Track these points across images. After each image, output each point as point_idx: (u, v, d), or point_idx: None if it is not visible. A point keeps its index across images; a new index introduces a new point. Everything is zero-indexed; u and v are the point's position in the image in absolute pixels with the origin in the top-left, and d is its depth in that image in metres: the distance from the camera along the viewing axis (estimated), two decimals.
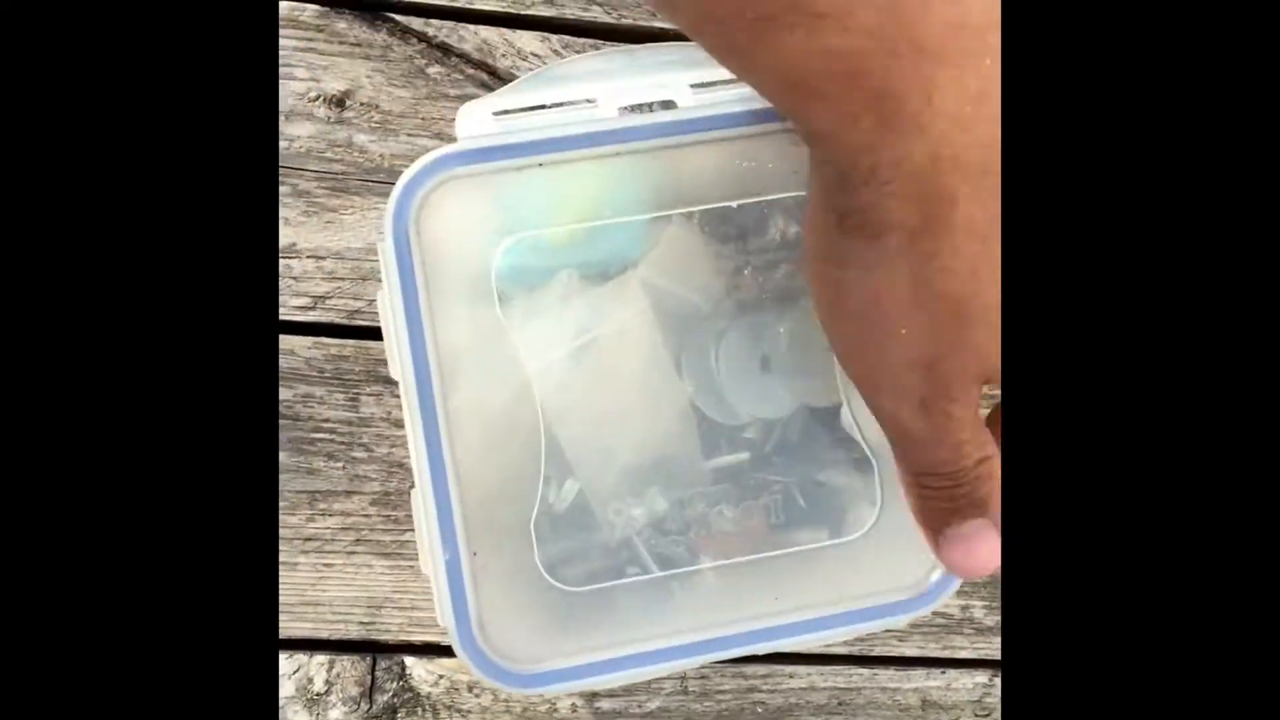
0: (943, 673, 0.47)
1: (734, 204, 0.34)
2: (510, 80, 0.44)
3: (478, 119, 0.34)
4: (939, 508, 0.30)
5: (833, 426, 0.36)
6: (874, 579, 0.36)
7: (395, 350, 0.33)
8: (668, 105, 0.34)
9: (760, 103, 0.33)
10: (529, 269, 0.34)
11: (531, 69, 0.44)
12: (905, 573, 0.36)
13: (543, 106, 0.34)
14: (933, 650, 0.47)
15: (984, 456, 0.29)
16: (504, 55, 0.44)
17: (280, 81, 0.43)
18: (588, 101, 0.34)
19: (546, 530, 0.35)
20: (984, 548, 0.30)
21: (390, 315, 0.33)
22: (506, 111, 0.34)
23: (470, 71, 0.44)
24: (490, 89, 0.44)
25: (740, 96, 0.34)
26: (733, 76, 0.33)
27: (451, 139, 0.40)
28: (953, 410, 0.28)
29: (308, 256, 0.43)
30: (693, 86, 0.34)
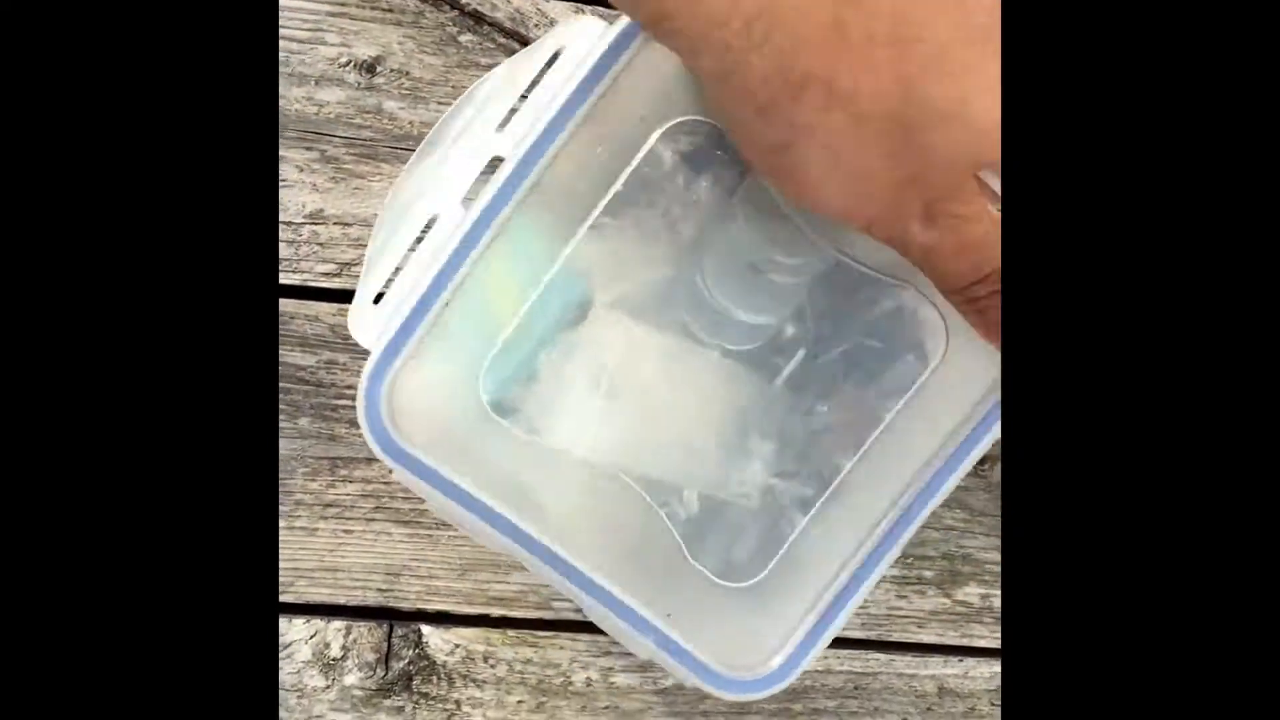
0: (960, 660, 0.47)
1: (619, 187, 0.33)
2: None
3: (364, 321, 0.33)
4: (998, 315, 0.30)
5: (853, 275, 0.35)
6: (979, 386, 0.35)
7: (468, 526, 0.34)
8: (495, 164, 0.33)
9: (567, 91, 0.32)
10: (513, 376, 0.34)
11: None
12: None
13: (399, 270, 0.33)
14: (951, 638, 0.47)
15: None
16: (537, 25, 0.44)
17: (311, 46, 0.43)
18: (428, 225, 0.33)
19: (699, 547, 0.35)
20: None
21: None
22: (380, 295, 0.33)
23: (502, 40, 0.44)
24: None
25: (544, 103, 0.32)
26: (525, 90, 0.33)
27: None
28: (959, 210, 0.28)
29: (334, 223, 0.43)
30: (498, 130, 0.33)
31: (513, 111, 0.33)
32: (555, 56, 0.33)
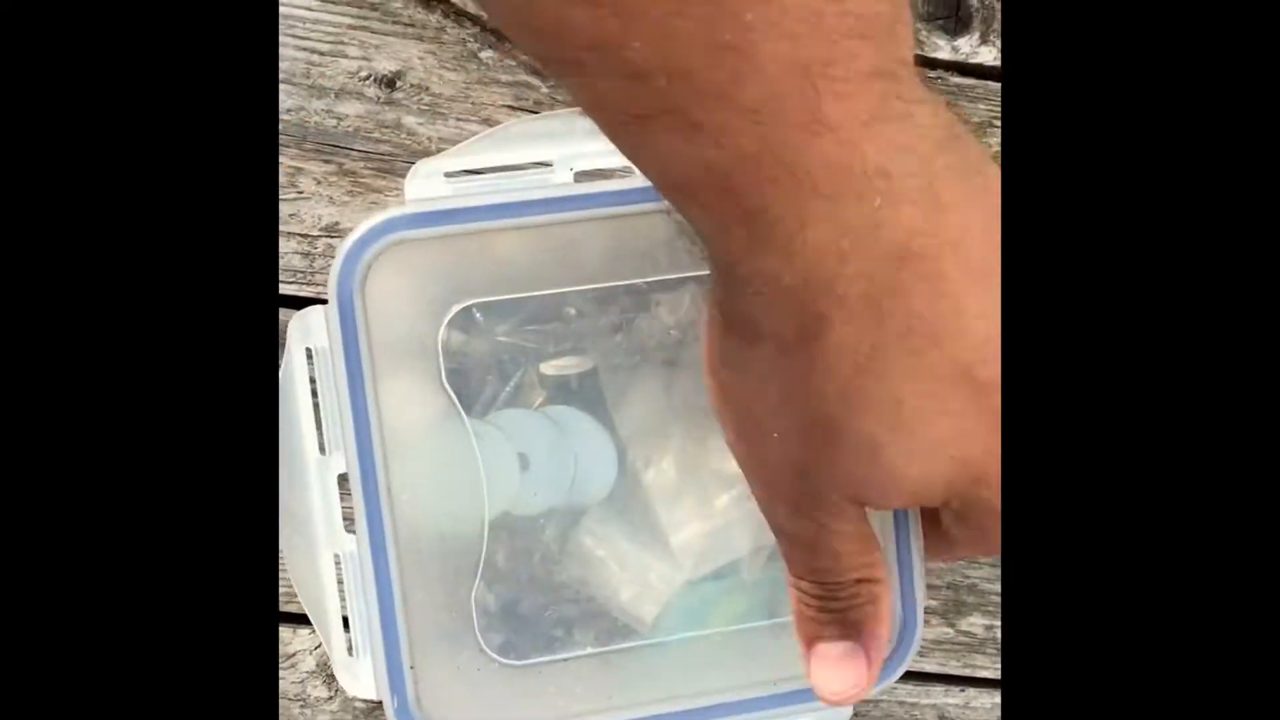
0: (962, 690, 0.47)
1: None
2: None
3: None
4: (810, 619, 0.30)
5: None
6: None
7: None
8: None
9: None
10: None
11: None
12: None
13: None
14: (953, 668, 0.47)
15: (866, 578, 0.29)
16: None
17: (332, 59, 0.43)
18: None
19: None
20: (848, 673, 0.29)
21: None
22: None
23: (523, 58, 0.43)
24: (542, 76, 0.43)
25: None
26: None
27: (496, 124, 0.40)
28: (827, 521, 0.28)
29: None
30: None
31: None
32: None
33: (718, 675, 0.34)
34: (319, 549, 0.33)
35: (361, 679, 0.33)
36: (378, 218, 0.32)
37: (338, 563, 0.33)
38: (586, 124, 0.34)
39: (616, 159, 0.33)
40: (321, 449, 0.33)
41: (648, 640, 0.34)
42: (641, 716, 0.34)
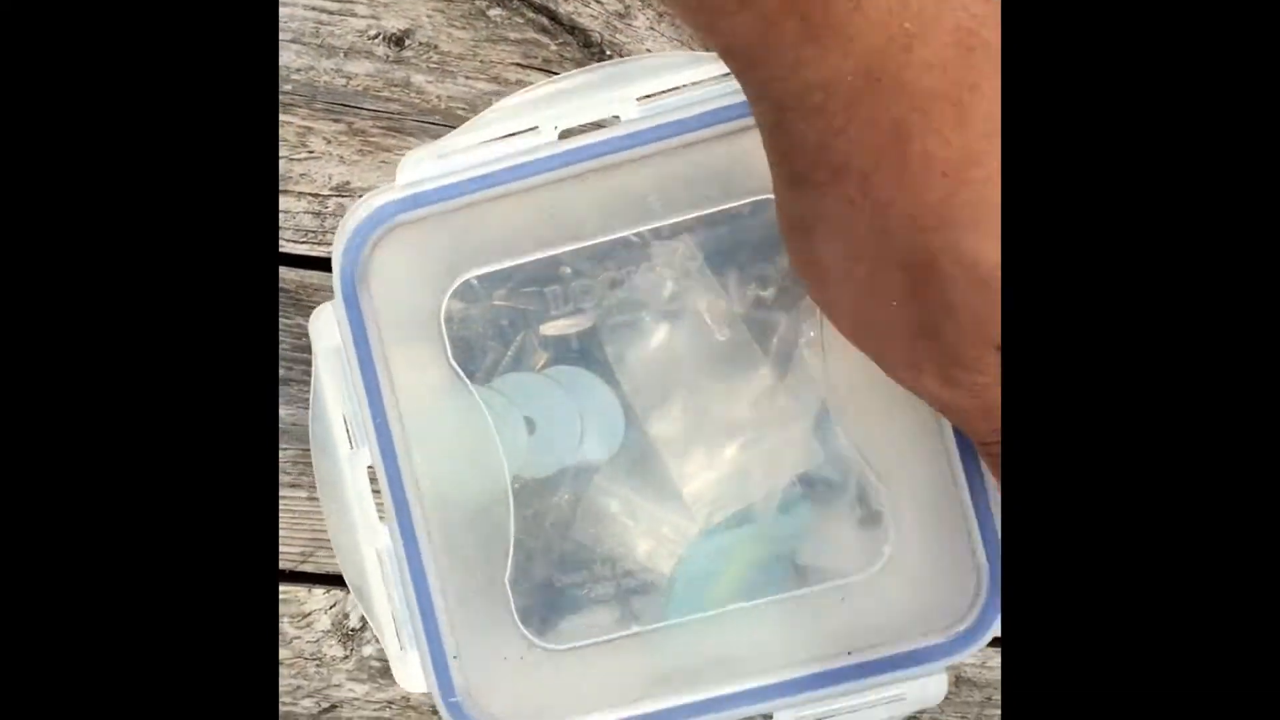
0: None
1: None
2: (571, 27, 0.43)
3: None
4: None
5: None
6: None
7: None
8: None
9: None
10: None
11: (594, 15, 0.43)
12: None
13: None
14: None
15: None
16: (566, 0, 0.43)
17: (340, 18, 0.42)
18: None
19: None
20: None
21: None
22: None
23: (531, 15, 0.43)
24: (551, 34, 0.43)
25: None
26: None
27: (508, 83, 0.40)
28: (977, 380, 0.25)
29: (360, 195, 0.43)
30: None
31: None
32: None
33: (770, 642, 0.34)
34: (362, 546, 0.34)
35: (413, 678, 0.34)
36: (366, 208, 0.33)
37: (381, 561, 0.34)
38: (574, 84, 0.34)
39: (598, 112, 0.34)
40: (351, 444, 0.35)
41: (693, 616, 0.34)
42: (698, 699, 0.33)
